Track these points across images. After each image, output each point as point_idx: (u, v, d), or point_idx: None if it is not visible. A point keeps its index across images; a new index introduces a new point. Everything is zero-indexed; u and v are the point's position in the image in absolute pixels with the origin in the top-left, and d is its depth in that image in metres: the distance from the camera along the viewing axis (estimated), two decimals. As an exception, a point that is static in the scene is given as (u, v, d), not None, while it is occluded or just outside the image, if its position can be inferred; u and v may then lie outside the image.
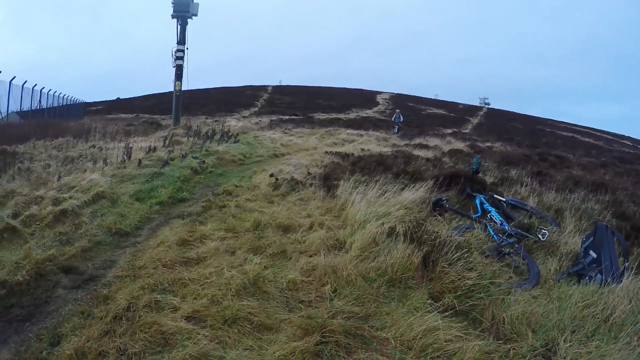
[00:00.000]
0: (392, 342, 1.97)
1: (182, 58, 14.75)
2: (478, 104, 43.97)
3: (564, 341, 1.98)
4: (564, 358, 1.90)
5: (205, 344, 1.94)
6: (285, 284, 2.56)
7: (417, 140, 12.48)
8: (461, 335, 2.00)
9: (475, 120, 29.52)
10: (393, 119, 19.02)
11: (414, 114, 28.96)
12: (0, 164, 5.84)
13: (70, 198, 4.31)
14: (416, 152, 9.26)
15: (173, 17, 14.51)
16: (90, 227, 3.78)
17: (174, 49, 14.80)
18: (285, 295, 2.46)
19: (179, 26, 14.65)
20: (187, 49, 14.81)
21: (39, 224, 3.69)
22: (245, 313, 2.17)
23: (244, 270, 2.63)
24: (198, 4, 14.77)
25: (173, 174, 6.06)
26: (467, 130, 23.44)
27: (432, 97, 45.09)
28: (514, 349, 1.97)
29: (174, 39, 15.03)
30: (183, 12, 14.25)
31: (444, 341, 1.93)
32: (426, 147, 10.79)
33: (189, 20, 14.69)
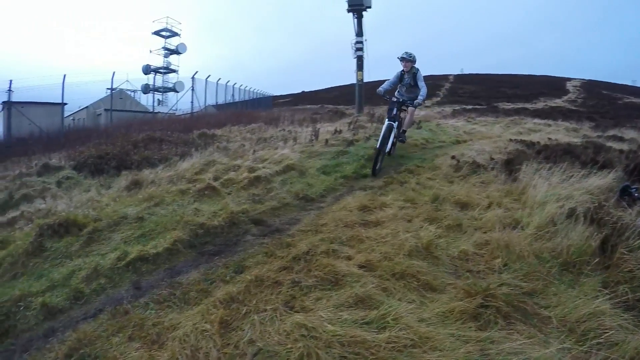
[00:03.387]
0: (554, 321, 2.64)
1: (361, 49, 21.57)
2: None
3: None
4: None
5: (371, 288, 2.93)
6: (456, 253, 3.62)
7: (610, 132, 15.36)
8: (628, 327, 2.56)
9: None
10: None
11: (609, 103, 35.48)
12: (201, 142, 10.08)
13: (263, 168, 7.00)
14: (609, 143, 11.22)
15: (348, 11, 21.19)
16: (280, 191, 5.95)
17: (353, 41, 21.46)
18: (454, 263, 3.49)
19: (355, 19, 21.35)
20: (366, 40, 21.72)
21: (235, 186, 6.15)
22: (413, 271, 3.20)
23: (418, 236, 3.82)
24: (371, -5, 20.74)
25: (357, 152, 9.17)
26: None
27: (629, 84, 53.64)
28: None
29: (352, 32, 21.69)
30: (357, 5, 20.91)
31: (608, 328, 2.51)
32: (621, 139, 13.06)
33: (363, 12, 21.33)
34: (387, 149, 7.76)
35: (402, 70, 8.38)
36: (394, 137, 7.97)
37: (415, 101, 8.07)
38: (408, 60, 8.21)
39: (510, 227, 4.09)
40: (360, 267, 3.32)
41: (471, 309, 2.67)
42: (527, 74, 58.05)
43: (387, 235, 3.93)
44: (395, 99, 8.26)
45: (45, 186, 8.02)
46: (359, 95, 21.95)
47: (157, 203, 5.39)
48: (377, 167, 7.17)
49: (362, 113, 19.87)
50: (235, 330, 2.60)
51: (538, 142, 10.63)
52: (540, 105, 33.01)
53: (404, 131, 8.72)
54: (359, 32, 21.16)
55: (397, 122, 7.99)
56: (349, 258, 3.51)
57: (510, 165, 6.91)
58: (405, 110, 8.45)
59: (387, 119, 7.90)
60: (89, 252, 4.18)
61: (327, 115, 20.68)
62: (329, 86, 53.19)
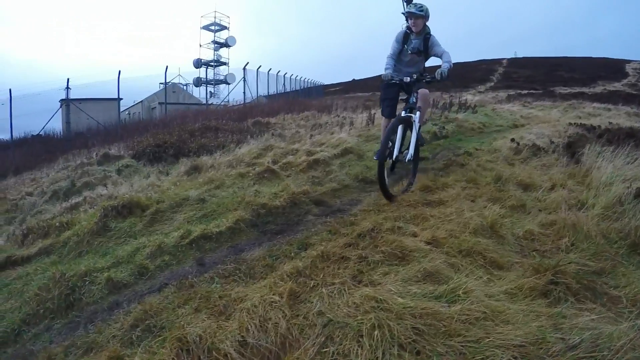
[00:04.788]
0: (624, 300, 2.62)
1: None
2: None
3: None
4: None
5: (439, 264, 2.90)
6: (521, 233, 3.61)
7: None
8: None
9: None
10: None
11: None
12: (256, 130, 10.32)
13: (321, 151, 7.10)
14: (673, 129, 11.17)
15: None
16: (339, 174, 6.03)
17: (404, 26, 20.70)
18: (520, 243, 3.49)
19: (405, 3, 20.19)
20: None
21: (294, 169, 6.27)
22: (480, 249, 3.19)
23: (482, 215, 3.82)
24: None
25: None
26: None
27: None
28: None
29: (403, 17, 20.72)
30: (403, -8, 20.06)
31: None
32: (691, 123, 12.83)
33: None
34: (409, 157, 5.09)
35: (407, 30, 5.69)
36: (417, 138, 5.24)
37: (440, 71, 5.18)
38: (419, 15, 5.47)
39: (576, 208, 4.08)
40: (427, 243, 3.30)
41: (540, 286, 2.63)
42: (583, 56, 57.31)
43: (452, 214, 3.93)
44: (394, 80, 5.42)
45: (106, 174, 8.43)
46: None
47: (217, 186, 5.54)
48: (387, 189, 4.67)
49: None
50: (303, 303, 2.60)
51: (599, 126, 10.60)
52: (598, 89, 32.53)
53: (420, 126, 5.65)
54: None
55: (417, 114, 5.26)
56: (414, 235, 3.48)
57: (572, 148, 6.95)
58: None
59: (384, 116, 5.89)
60: (153, 232, 4.37)
61: (379, 102, 21.34)
62: (380, 74, 54.40)
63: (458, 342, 2.01)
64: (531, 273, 2.79)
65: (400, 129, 5.12)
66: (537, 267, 2.84)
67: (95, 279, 3.47)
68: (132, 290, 3.34)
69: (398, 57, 5.79)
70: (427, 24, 5.68)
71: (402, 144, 5.16)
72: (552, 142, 7.86)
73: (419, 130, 5.34)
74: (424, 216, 3.99)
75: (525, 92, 29.45)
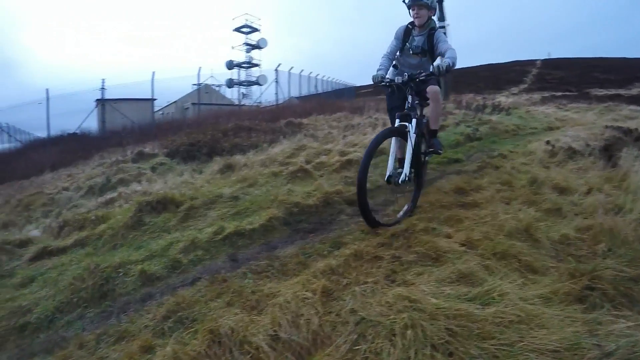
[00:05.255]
0: None
1: (444, 34, 20.91)
2: None
3: None
4: None
5: (473, 265, 2.89)
6: (557, 237, 3.53)
7: None
8: None
9: None
10: None
11: None
12: (288, 130, 10.48)
13: (353, 152, 7.17)
14: None
15: None
16: (372, 174, 5.74)
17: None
18: (555, 247, 3.41)
19: (437, 3, 21.08)
20: (448, 25, 21.98)
21: (327, 169, 6.30)
22: (514, 252, 3.16)
23: (517, 218, 3.79)
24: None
25: (447, 138, 9.45)
26: None
27: None
28: None
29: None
30: (436, -11, 20.18)
31: None
32: None
33: (443, -4, 21.32)
34: (402, 177, 4.08)
35: (409, 25, 4.78)
36: (417, 152, 4.49)
37: (437, 64, 4.31)
38: (422, 4, 4.60)
39: (613, 213, 3.98)
40: (461, 245, 3.30)
41: (576, 291, 2.58)
42: (619, 57, 56.47)
43: (486, 216, 3.93)
44: (394, 81, 4.43)
45: (141, 171, 8.61)
46: (444, 82, 22.19)
47: (250, 184, 5.63)
48: (369, 215, 3.85)
49: (448, 100, 19.98)
50: (336, 300, 2.61)
51: (636, 129, 10.49)
52: (635, 91, 32.64)
53: (435, 132, 4.83)
54: (441, 17, 21.30)
55: (413, 123, 4.28)
56: (448, 236, 3.49)
57: (609, 152, 6.88)
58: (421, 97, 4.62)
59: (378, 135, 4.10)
60: (186, 227, 4.45)
61: (411, 103, 21.91)
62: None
63: (492, 345, 2.00)
64: (567, 278, 2.75)
65: (394, 142, 4.24)
66: (573, 272, 2.80)
67: (128, 271, 3.56)
68: (164, 283, 3.40)
69: (401, 58, 4.92)
70: (434, 17, 4.86)
71: (404, 161, 4.21)
72: (588, 145, 7.75)
73: (434, 137, 4.79)
74: (458, 218, 3.98)
75: (560, 94, 29.99)
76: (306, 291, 2.67)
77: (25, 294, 3.67)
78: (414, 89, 4.42)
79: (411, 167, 4.21)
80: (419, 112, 4.56)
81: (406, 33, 4.79)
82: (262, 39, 41.81)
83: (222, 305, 2.77)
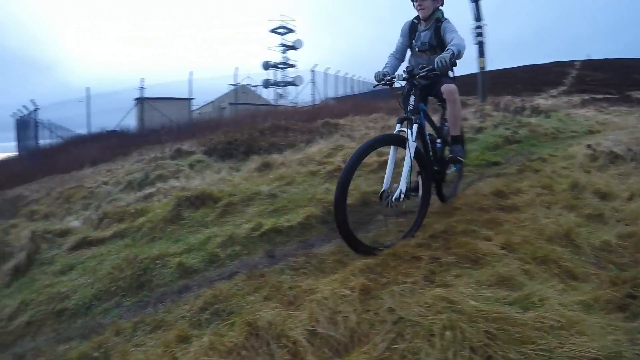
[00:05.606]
0: None
1: (481, 34, 21.51)
2: None
3: None
4: None
5: (513, 269, 2.84)
6: (598, 243, 3.42)
7: None
8: None
9: None
10: None
11: None
12: (325, 130, 10.61)
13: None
14: None
15: None
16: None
17: (472, 26, 21.35)
18: (596, 253, 3.32)
19: (472, 2, 21.41)
20: (485, 24, 21.46)
21: (364, 169, 6.16)
22: (555, 257, 3.10)
23: (558, 223, 3.73)
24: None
25: (486, 140, 9.47)
26: None
27: None
28: None
29: (470, 17, 21.47)
30: (473, -12, 20.95)
31: None
32: None
33: (480, -5, 21.64)
34: (397, 194, 3.49)
35: (414, 19, 4.28)
36: (427, 163, 3.93)
37: (438, 57, 3.59)
38: None
39: None
40: (501, 248, 3.26)
41: (617, 299, 2.51)
42: None
43: (526, 220, 3.86)
44: (384, 80, 4.03)
45: (179, 168, 8.76)
46: (481, 82, 22.08)
47: (288, 182, 5.67)
48: (349, 235, 3.31)
49: (486, 102, 19.81)
50: (374, 299, 2.60)
51: None
52: None
53: (456, 139, 4.28)
54: (478, 16, 21.12)
55: (414, 128, 3.66)
56: (487, 239, 3.44)
57: None
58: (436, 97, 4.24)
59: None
60: (224, 223, 4.52)
61: (449, 105, 21.58)
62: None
63: (531, 350, 1.96)
64: (608, 285, 2.69)
65: (392, 152, 3.65)
66: (614, 279, 2.74)
67: (167, 263, 3.65)
68: (202, 276, 3.47)
69: (412, 59, 4.42)
70: (441, 7, 4.23)
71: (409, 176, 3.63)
72: (630, 150, 7.44)
73: (456, 143, 4.27)
74: (497, 221, 3.91)
75: (600, 96, 28.64)
76: (344, 288, 2.66)
77: (64, 281, 3.82)
78: (418, 87, 3.90)
79: (421, 180, 3.99)
80: (441, 116, 4.41)
81: (412, 29, 4.30)
82: (298, 39, 42.49)
83: (260, 299, 2.80)
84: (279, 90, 39.79)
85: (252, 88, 36.32)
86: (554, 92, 33.48)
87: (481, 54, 21.71)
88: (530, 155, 7.87)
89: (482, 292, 2.54)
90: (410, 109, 3.83)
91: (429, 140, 4.15)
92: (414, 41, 4.27)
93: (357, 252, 3.33)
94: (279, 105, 30.01)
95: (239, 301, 2.81)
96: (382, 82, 4.02)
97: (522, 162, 7.16)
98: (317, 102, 26.64)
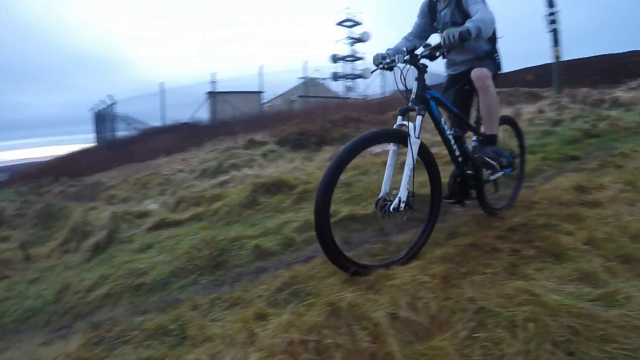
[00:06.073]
0: None
1: (555, 22, 20.09)
2: None
3: None
4: None
5: (596, 266, 2.72)
6: None
7: None
8: None
9: None
10: None
11: None
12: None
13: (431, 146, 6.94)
14: None
15: None
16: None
17: (545, 13, 20.12)
18: None
19: None
20: (559, 11, 20.18)
21: (439, 161, 6.01)
22: (639, 256, 2.90)
23: None
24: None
25: (564, 133, 9.27)
26: None
27: None
28: None
29: (542, 3, 20.13)
30: (546, -30, 19.68)
31: None
32: None
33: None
34: (395, 204, 3.11)
35: None
36: (411, 168, 3.16)
37: (445, 34, 2.83)
38: None
39: None
40: (584, 244, 3.14)
41: None
42: None
43: (609, 217, 3.70)
44: (383, 63, 3.37)
45: (252, 157, 9.04)
46: (556, 73, 20.92)
47: (362, 172, 5.68)
48: (334, 252, 2.84)
49: (562, 94, 18.92)
50: (454, 287, 2.57)
51: None
52: None
53: (490, 138, 3.67)
54: (551, 2, 19.82)
55: (417, 121, 3.15)
56: (569, 234, 3.34)
57: None
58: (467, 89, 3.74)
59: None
60: (299, 209, 4.63)
61: (523, 97, 20.78)
62: (520, 67, 51.84)
63: (614, 349, 1.90)
64: None
65: (391, 151, 3.20)
66: None
67: (243, 245, 3.77)
68: (278, 259, 3.55)
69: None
70: None
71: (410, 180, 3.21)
72: None
73: (488, 144, 3.65)
74: (579, 216, 3.79)
75: None
76: (424, 275, 2.65)
77: (142, 258, 4.02)
78: (423, 70, 3.24)
79: (417, 188, 3.41)
80: (471, 110, 3.74)
81: (431, 8, 3.64)
82: (365, 32, 42.72)
83: (338, 282, 2.82)
84: (348, 83, 40.08)
85: (321, 81, 36.73)
86: (633, 84, 31.88)
87: (556, 42, 20.57)
88: (612, 150, 7.59)
89: (564, 287, 2.49)
90: (412, 97, 3.20)
91: (450, 137, 3.59)
92: (435, 24, 3.65)
93: (346, 273, 2.84)
94: (349, 97, 30.10)
95: (317, 283, 2.85)
96: (381, 65, 3.36)
97: (603, 157, 6.93)
98: (387, 94, 26.37)
